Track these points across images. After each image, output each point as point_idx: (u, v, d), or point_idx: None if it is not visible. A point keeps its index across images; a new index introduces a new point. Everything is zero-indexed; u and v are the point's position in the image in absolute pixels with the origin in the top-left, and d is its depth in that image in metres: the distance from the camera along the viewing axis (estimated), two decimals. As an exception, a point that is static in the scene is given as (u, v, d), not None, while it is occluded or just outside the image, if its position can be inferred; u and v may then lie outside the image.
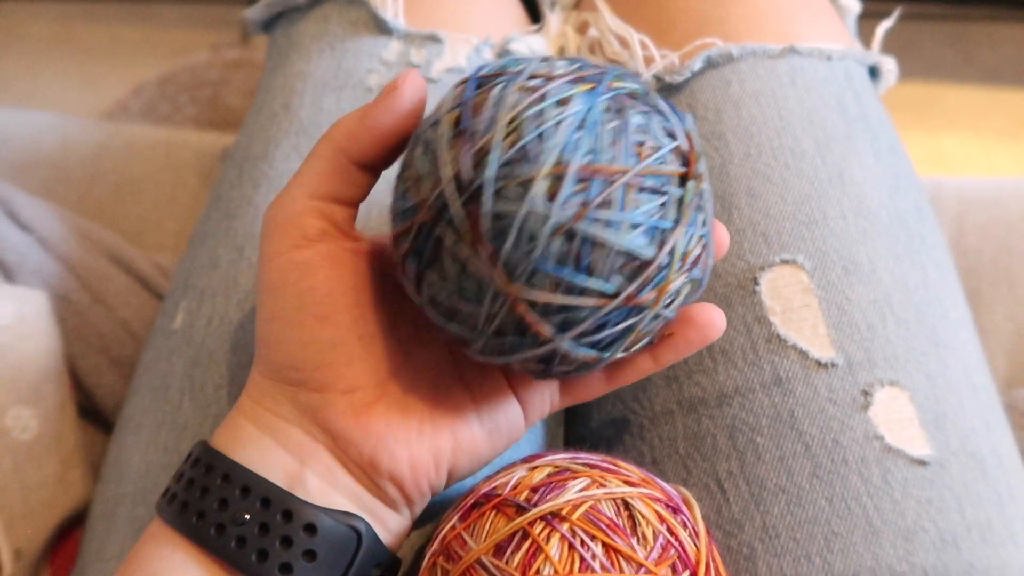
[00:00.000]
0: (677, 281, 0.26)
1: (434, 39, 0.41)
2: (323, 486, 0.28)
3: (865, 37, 0.44)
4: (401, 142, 0.29)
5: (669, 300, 0.27)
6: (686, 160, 0.27)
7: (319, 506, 0.28)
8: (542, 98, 0.25)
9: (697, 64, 0.39)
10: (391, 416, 0.29)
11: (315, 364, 0.28)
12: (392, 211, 0.28)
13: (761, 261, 0.36)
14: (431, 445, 0.29)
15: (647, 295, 0.26)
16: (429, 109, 0.29)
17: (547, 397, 0.32)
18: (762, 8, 0.40)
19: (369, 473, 0.29)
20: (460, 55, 0.41)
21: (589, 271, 0.25)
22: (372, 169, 0.30)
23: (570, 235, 0.25)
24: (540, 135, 0.25)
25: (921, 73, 0.98)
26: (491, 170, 0.25)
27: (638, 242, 0.25)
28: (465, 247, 0.25)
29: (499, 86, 0.26)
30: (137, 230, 0.53)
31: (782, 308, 0.35)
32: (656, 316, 0.27)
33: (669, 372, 0.36)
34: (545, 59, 0.27)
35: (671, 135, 0.27)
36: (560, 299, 0.25)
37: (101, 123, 0.62)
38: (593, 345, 0.27)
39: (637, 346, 0.28)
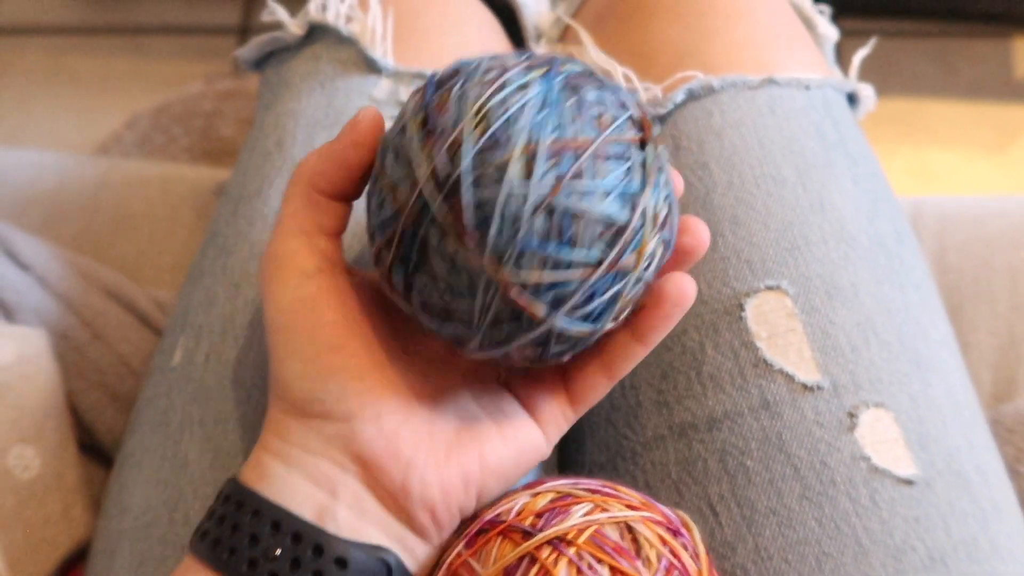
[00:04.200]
0: (651, 242, 0.28)
1: (422, 77, 0.42)
2: (353, 518, 0.29)
3: (848, 56, 0.45)
4: (365, 170, 0.30)
5: (647, 262, 0.28)
6: (641, 126, 0.28)
7: (349, 540, 0.28)
8: (502, 87, 0.27)
9: (679, 96, 0.40)
10: (419, 441, 0.29)
11: (337, 395, 0.29)
12: (369, 227, 0.29)
13: (746, 287, 0.37)
14: (460, 467, 0.30)
15: (628, 259, 0.27)
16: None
17: (558, 410, 0.32)
18: (740, 40, 0.41)
19: (400, 500, 0.29)
20: (448, 92, 0.42)
21: (572, 243, 0.26)
22: (343, 198, 0.31)
23: (550, 210, 0.26)
24: (507, 120, 0.26)
25: (904, 89, 0.99)
26: (467, 160, 0.26)
27: (613, 208, 0.26)
28: (451, 242, 0.26)
29: (458, 84, 0.27)
30: (134, 265, 0.54)
31: (768, 333, 0.36)
32: (638, 280, 0.28)
33: (659, 397, 0.37)
34: (493, 56, 0.29)
35: (623, 106, 0.28)
36: (549, 276, 0.26)
37: (97, 160, 0.63)
38: (585, 318, 0.28)
39: (624, 314, 0.29)
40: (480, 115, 0.26)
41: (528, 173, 0.26)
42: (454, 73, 0.28)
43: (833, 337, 0.36)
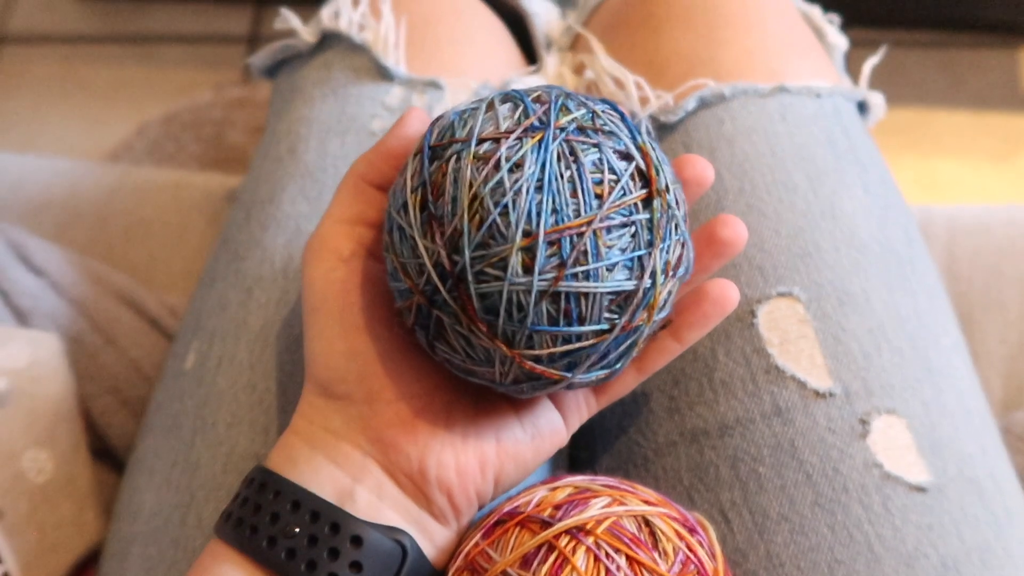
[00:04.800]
0: (664, 291, 0.28)
1: (435, 85, 0.42)
2: (372, 500, 0.30)
3: (856, 65, 0.45)
4: None
5: (661, 306, 0.28)
6: (646, 178, 0.27)
7: (366, 520, 0.29)
8: (496, 167, 0.26)
9: (691, 104, 0.40)
10: (436, 424, 0.30)
11: (359, 375, 0.30)
12: (390, 285, 0.30)
13: (758, 294, 0.37)
14: (476, 451, 0.30)
15: (640, 317, 0.27)
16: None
17: (581, 400, 0.33)
18: (751, 49, 0.42)
19: (417, 482, 0.30)
20: (460, 100, 0.42)
21: (581, 320, 0.26)
22: (388, 189, 0.31)
23: (555, 297, 0.26)
24: (504, 209, 0.26)
25: (912, 99, 1.00)
26: (467, 255, 0.26)
27: (619, 278, 0.26)
28: (463, 326, 0.27)
29: (452, 158, 0.27)
30: (146, 270, 0.54)
31: (780, 339, 0.36)
32: (653, 324, 0.28)
33: (671, 404, 0.37)
34: (489, 107, 0.28)
35: (626, 157, 0.27)
36: (561, 348, 0.27)
37: (110, 166, 0.63)
38: (603, 368, 0.28)
39: (644, 344, 0.29)
40: (475, 206, 0.26)
41: (529, 265, 0.26)
42: (449, 141, 0.28)
43: (845, 343, 0.36)
